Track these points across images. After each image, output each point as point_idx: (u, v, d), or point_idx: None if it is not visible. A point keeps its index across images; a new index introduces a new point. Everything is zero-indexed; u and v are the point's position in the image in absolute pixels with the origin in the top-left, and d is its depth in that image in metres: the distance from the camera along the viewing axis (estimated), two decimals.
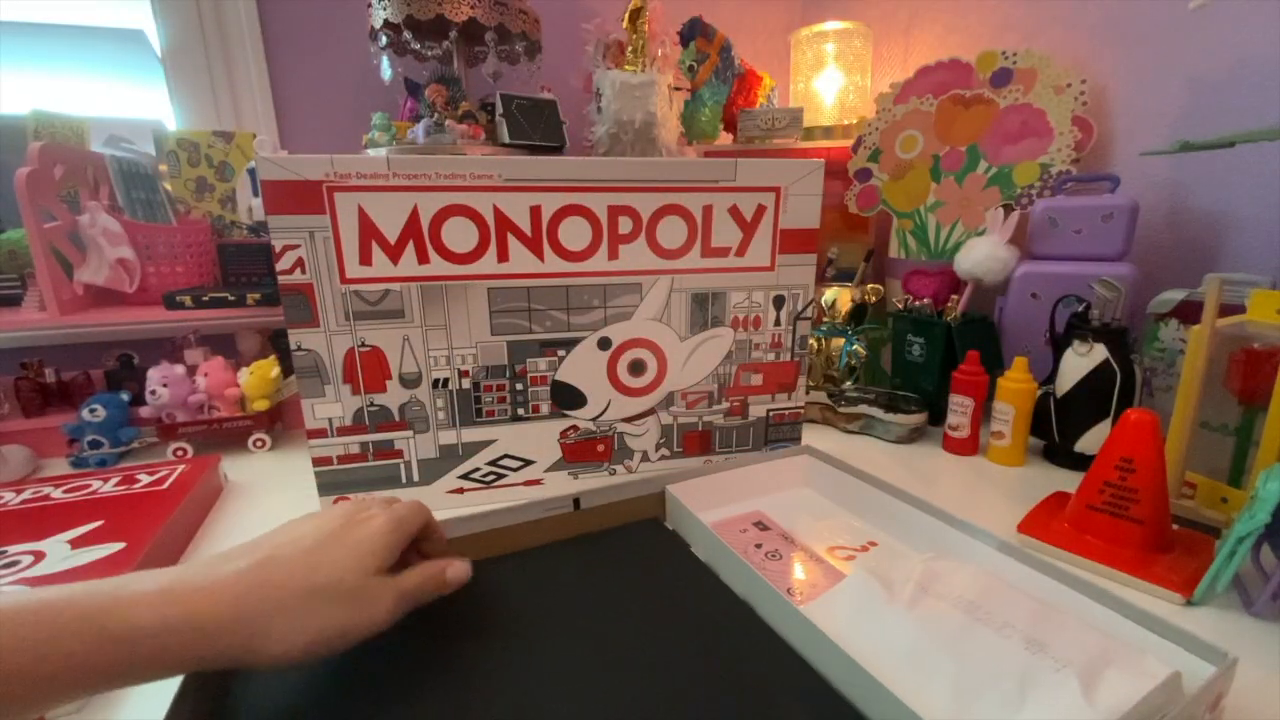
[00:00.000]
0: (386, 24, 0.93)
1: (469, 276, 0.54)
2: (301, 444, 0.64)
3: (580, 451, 0.61)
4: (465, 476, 0.59)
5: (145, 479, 0.60)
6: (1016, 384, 0.67)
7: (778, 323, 0.63)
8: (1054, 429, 0.68)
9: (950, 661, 0.33)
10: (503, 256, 0.54)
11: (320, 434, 0.55)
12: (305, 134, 1.13)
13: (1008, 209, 0.80)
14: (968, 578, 0.40)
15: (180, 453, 0.72)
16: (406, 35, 0.99)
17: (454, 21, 0.91)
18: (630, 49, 0.96)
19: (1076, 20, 0.88)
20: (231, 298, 0.83)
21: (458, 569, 0.37)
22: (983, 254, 0.79)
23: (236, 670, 0.31)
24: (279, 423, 0.80)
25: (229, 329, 0.85)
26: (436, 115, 0.96)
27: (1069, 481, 0.61)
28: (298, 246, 0.50)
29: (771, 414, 0.66)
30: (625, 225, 0.56)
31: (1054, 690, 0.31)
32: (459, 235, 0.52)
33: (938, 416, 0.78)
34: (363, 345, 0.53)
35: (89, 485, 0.58)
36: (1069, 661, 0.32)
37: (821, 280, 0.93)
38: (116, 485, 0.58)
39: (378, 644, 0.30)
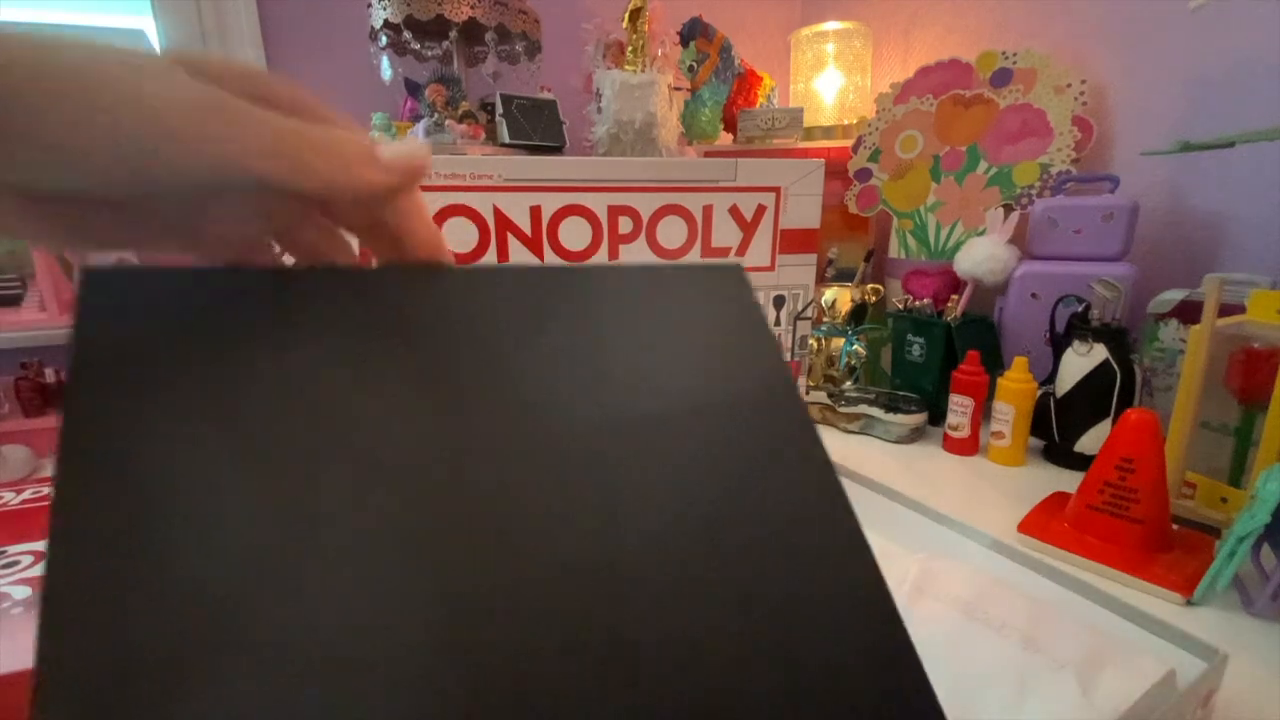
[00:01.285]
0: (386, 24, 0.93)
1: None
2: None
3: None
4: None
5: None
6: (1016, 384, 0.67)
7: (778, 323, 0.63)
8: (1054, 429, 0.68)
9: (949, 662, 0.33)
10: (503, 256, 0.54)
11: None
12: None
13: (1008, 209, 0.80)
14: (964, 578, 0.40)
15: None
16: (406, 35, 0.99)
17: (454, 21, 0.91)
18: (630, 49, 0.96)
19: (1076, 20, 0.88)
20: None
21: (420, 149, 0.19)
22: (983, 254, 0.79)
23: None
24: None
25: None
26: (436, 115, 0.96)
27: (1069, 481, 0.61)
28: None
29: None
30: (625, 225, 0.56)
31: (1053, 690, 0.31)
32: (459, 235, 0.52)
33: (938, 416, 0.78)
34: None
35: None
36: (1067, 661, 0.32)
37: (821, 280, 0.93)
38: None
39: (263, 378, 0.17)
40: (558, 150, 0.98)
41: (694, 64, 1.05)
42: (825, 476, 0.20)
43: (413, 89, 1.06)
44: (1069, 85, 0.82)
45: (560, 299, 0.22)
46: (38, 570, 0.44)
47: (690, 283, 0.25)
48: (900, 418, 0.76)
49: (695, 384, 0.22)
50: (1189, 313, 0.66)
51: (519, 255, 0.54)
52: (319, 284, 0.19)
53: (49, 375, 0.79)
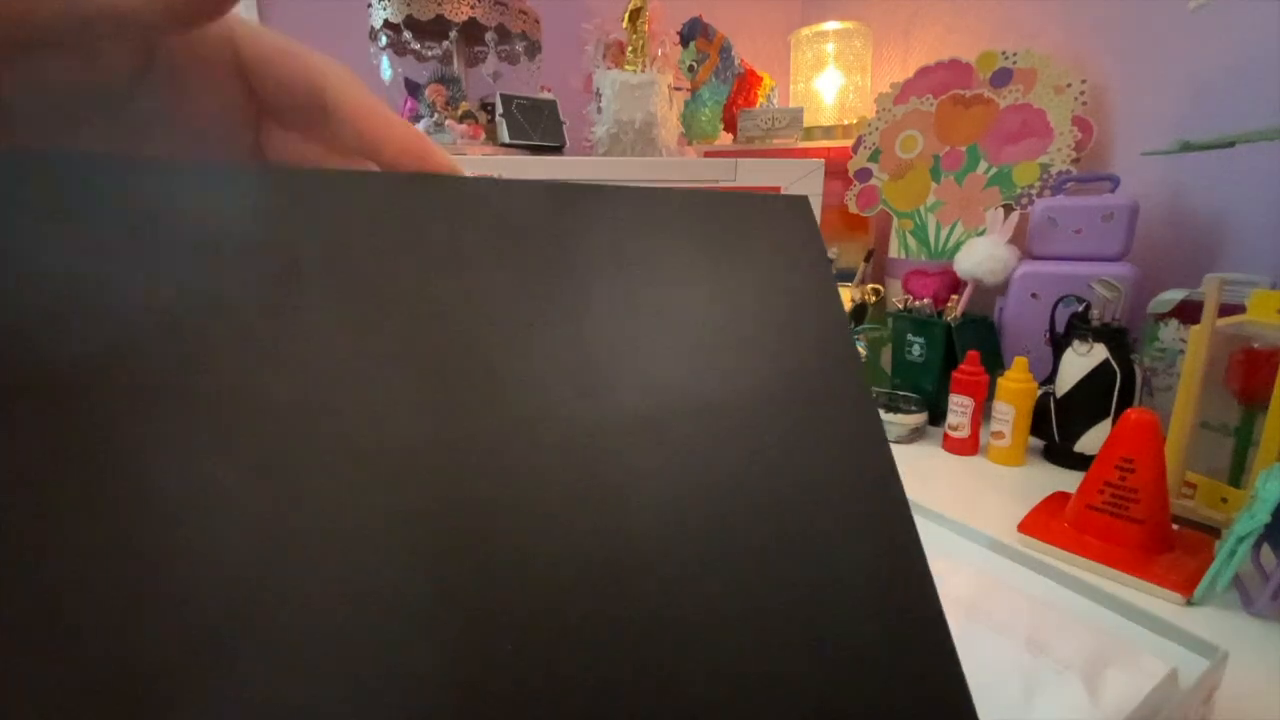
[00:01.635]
0: (386, 24, 0.93)
1: None
2: None
3: None
4: None
5: None
6: (1016, 384, 0.67)
7: None
8: (1054, 429, 0.68)
9: None
10: None
11: None
12: None
13: (1008, 209, 0.80)
14: (965, 579, 0.40)
15: None
16: (406, 35, 0.99)
17: (454, 21, 0.91)
18: (630, 49, 0.96)
19: (1076, 20, 0.88)
20: None
21: None
22: (983, 254, 0.79)
23: None
24: None
25: None
26: (436, 115, 0.96)
27: (1069, 481, 0.61)
28: None
29: None
30: None
31: (1059, 691, 0.31)
32: None
33: (938, 416, 0.78)
34: None
35: None
36: (1071, 662, 0.32)
37: None
38: None
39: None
40: (558, 150, 0.98)
41: (694, 64, 1.05)
42: (874, 455, 0.18)
43: (413, 89, 1.06)
44: (1069, 85, 0.82)
45: (577, 247, 0.18)
46: None
47: (741, 216, 0.20)
48: (900, 418, 0.76)
49: (736, 357, 0.19)
50: (1189, 313, 0.66)
51: None
52: (287, 186, 0.15)
53: None
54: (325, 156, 0.18)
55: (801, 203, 0.21)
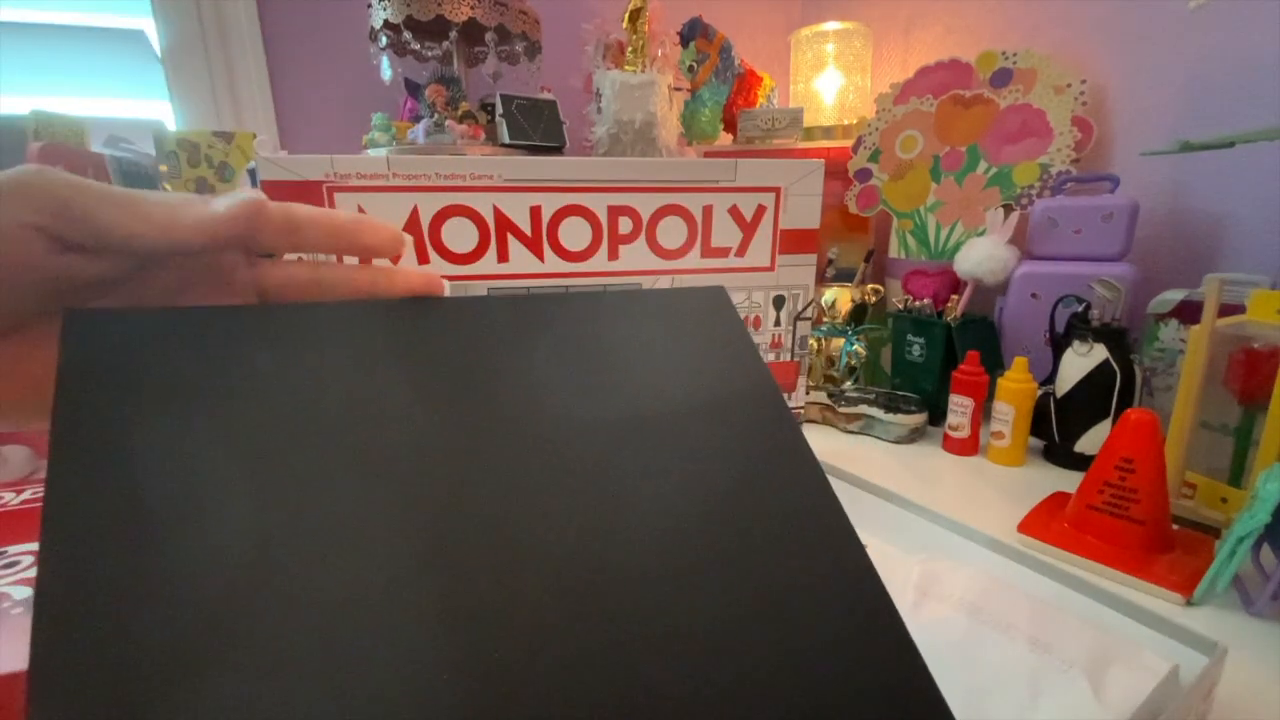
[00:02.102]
0: (386, 24, 0.93)
1: (469, 277, 0.54)
2: None
3: None
4: None
5: None
6: (1016, 384, 0.67)
7: (778, 323, 0.63)
8: (1054, 429, 0.68)
9: (960, 666, 0.33)
10: (503, 257, 0.54)
11: None
12: (305, 134, 1.13)
13: (1008, 209, 0.80)
14: (966, 579, 0.40)
15: None
16: (406, 35, 0.99)
17: (454, 22, 0.91)
18: (630, 49, 0.96)
19: (1076, 20, 0.88)
20: None
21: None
22: (983, 254, 0.79)
23: None
24: None
25: None
26: (436, 115, 0.96)
27: (1069, 481, 0.61)
28: None
29: None
30: (625, 225, 0.56)
31: (1065, 690, 0.31)
32: (459, 235, 0.52)
33: (938, 416, 0.78)
34: None
35: None
36: (1074, 661, 0.32)
37: (821, 280, 0.93)
38: None
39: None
40: (558, 150, 0.98)
41: (694, 64, 1.05)
42: (813, 474, 0.21)
43: (413, 89, 1.06)
44: (1069, 85, 0.82)
45: (550, 318, 0.24)
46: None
47: (673, 303, 0.26)
48: (900, 418, 0.76)
49: (683, 390, 0.23)
50: (1189, 313, 0.66)
51: (519, 255, 0.54)
52: (315, 314, 0.21)
53: None
54: (303, 268, 0.24)
55: (716, 291, 0.27)
